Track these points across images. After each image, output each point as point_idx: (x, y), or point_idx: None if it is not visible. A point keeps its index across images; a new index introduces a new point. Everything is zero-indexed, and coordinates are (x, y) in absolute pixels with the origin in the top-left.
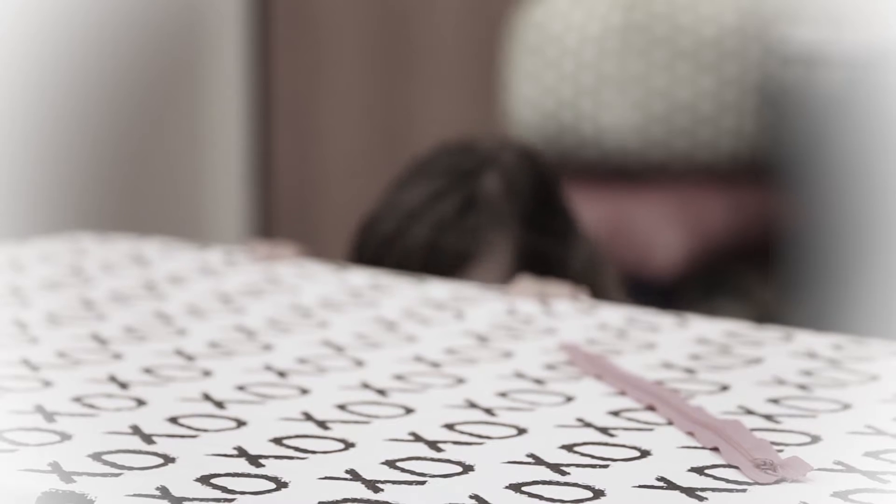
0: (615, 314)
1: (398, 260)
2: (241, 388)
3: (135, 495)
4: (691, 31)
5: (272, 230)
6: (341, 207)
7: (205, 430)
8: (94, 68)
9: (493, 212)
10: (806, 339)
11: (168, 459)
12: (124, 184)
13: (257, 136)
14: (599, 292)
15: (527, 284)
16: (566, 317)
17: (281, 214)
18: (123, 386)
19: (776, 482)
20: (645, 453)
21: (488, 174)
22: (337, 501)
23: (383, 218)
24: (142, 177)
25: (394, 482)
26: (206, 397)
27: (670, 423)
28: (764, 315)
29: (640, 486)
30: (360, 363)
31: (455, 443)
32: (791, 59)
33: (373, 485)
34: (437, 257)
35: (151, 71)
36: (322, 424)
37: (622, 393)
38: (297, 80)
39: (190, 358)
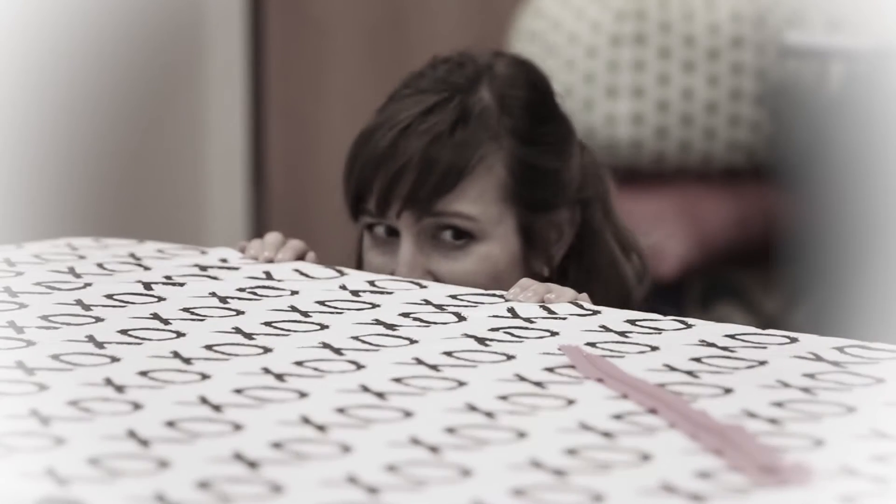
0: (616, 316)
1: (392, 175)
2: (238, 391)
3: (131, 501)
4: (690, 33)
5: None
6: (337, 209)
7: (202, 435)
8: (87, 71)
9: (486, 125)
10: (810, 341)
11: (165, 464)
12: (120, 186)
13: (252, 139)
14: (601, 209)
15: (528, 286)
16: (567, 319)
17: (276, 216)
18: (119, 389)
19: (780, 486)
20: (647, 457)
21: (482, 87)
22: None
23: (377, 133)
24: (138, 179)
25: (393, 487)
26: (204, 401)
27: (673, 426)
28: (766, 318)
29: (642, 491)
30: (359, 366)
31: (455, 447)
32: (791, 59)
33: (372, 490)
34: (431, 171)
35: (147, 73)
36: (320, 428)
37: (624, 396)
38: (292, 80)
39: (187, 361)
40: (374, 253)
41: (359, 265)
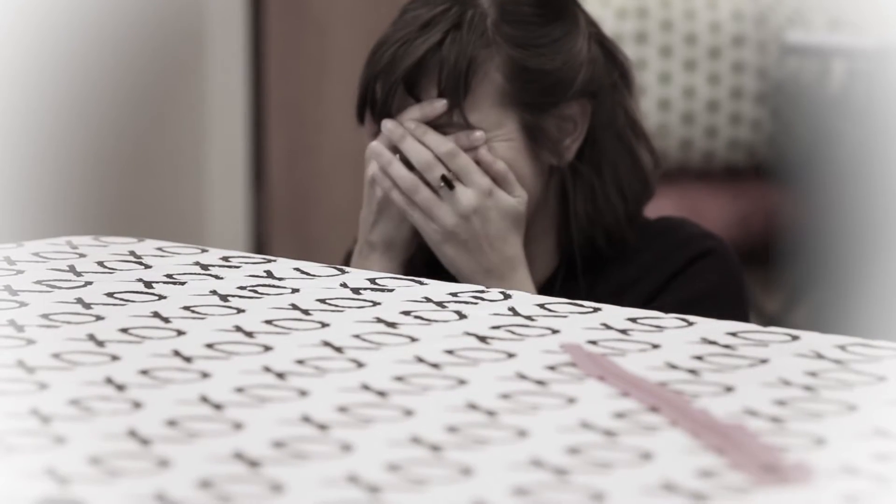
0: (618, 313)
1: (388, 88)
2: (239, 390)
3: (131, 500)
4: (692, 31)
5: (267, 231)
6: (337, 209)
7: (203, 434)
8: (88, 71)
9: (479, 32)
10: (811, 339)
11: (165, 463)
12: (120, 185)
13: (252, 139)
14: (612, 97)
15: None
16: (568, 317)
17: (276, 216)
18: (120, 388)
19: (781, 485)
20: (648, 456)
21: None
22: None
23: (382, 47)
24: (139, 178)
25: (394, 486)
26: (204, 400)
27: (674, 425)
28: (767, 316)
29: (643, 490)
30: (360, 364)
31: (456, 446)
32: (792, 57)
33: (373, 489)
34: (422, 82)
35: (148, 73)
36: (321, 427)
37: (625, 394)
38: (292, 80)
39: (187, 359)
40: None
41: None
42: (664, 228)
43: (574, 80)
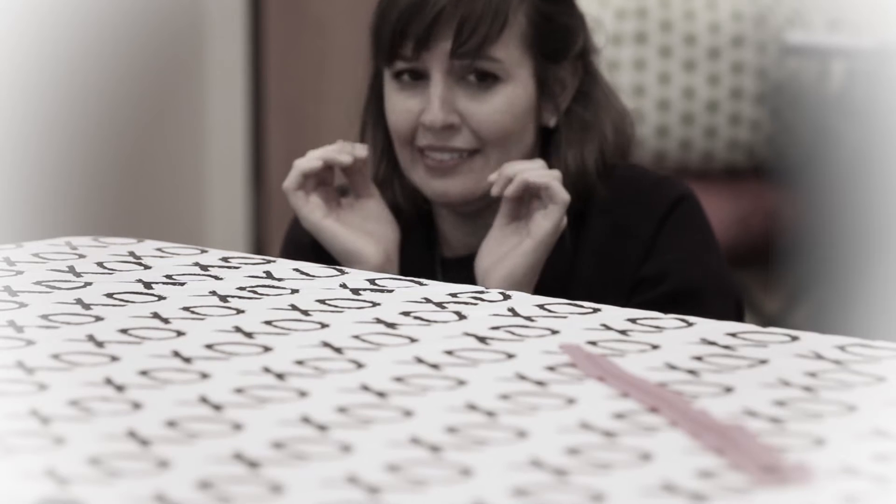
0: (617, 314)
1: (430, 21)
2: (239, 390)
3: (131, 501)
4: (691, 32)
5: (267, 232)
6: None
7: (202, 435)
8: (87, 71)
9: None
10: (811, 340)
11: (165, 464)
12: (120, 186)
13: (252, 139)
14: (595, 64)
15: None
16: (568, 317)
17: (276, 216)
18: (120, 389)
19: (781, 486)
20: (648, 457)
21: None
22: None
23: None
24: (138, 179)
25: (394, 487)
26: (204, 400)
27: (674, 426)
28: (767, 316)
29: (643, 490)
30: (359, 365)
31: (456, 446)
32: (792, 58)
33: (372, 489)
34: (466, 18)
35: (147, 73)
36: (321, 428)
37: (625, 395)
38: (292, 80)
39: (187, 360)
40: (401, 98)
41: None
42: (624, 175)
43: (578, 38)
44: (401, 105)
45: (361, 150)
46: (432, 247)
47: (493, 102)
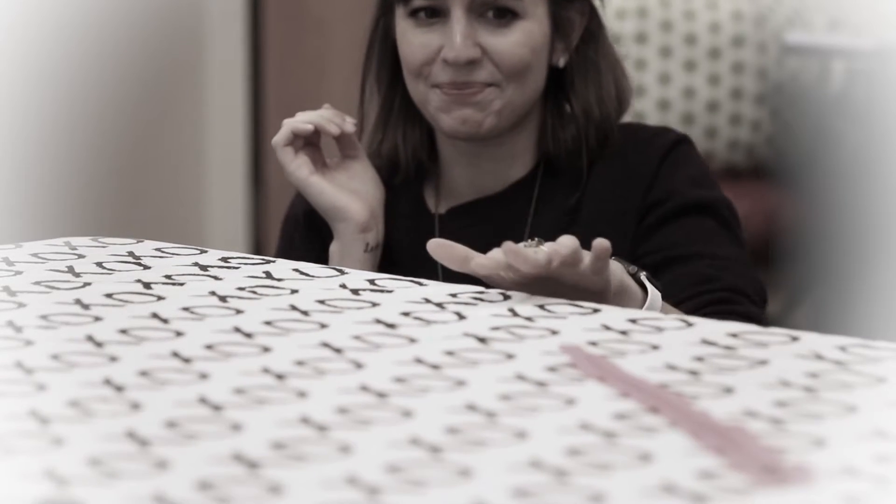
0: (618, 315)
1: None
2: (238, 391)
3: (130, 502)
4: (691, 32)
5: (266, 232)
6: None
7: (202, 435)
8: (87, 70)
9: None
10: (812, 340)
11: (164, 465)
12: (119, 186)
13: (252, 138)
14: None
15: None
16: (568, 317)
17: (276, 216)
18: (119, 389)
19: (781, 487)
20: (648, 457)
21: None
22: None
23: None
24: (138, 179)
25: (393, 487)
26: (203, 401)
27: (674, 426)
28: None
29: (643, 491)
30: (359, 365)
31: (456, 447)
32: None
33: (372, 490)
34: None
35: (147, 73)
36: (321, 428)
37: (625, 396)
38: (292, 80)
39: (186, 360)
40: (417, 33)
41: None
42: (626, 130)
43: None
44: (418, 40)
45: (350, 126)
46: (424, 203)
47: (514, 36)
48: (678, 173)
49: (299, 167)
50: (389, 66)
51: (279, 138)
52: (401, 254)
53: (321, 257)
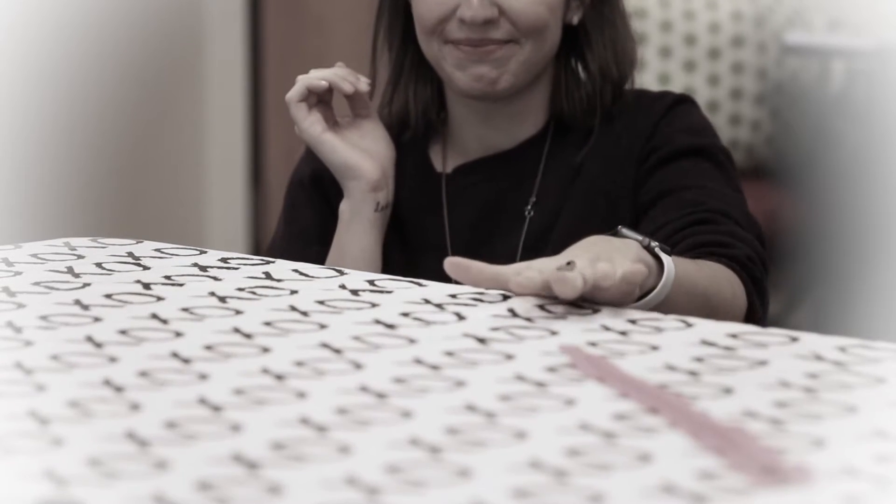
0: (617, 315)
1: None
2: (238, 391)
3: (130, 502)
4: (691, 32)
5: (266, 232)
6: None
7: (201, 436)
8: (87, 71)
9: None
10: (811, 341)
11: (164, 465)
12: (119, 186)
13: (252, 139)
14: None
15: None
16: (567, 318)
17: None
18: (118, 390)
19: (781, 487)
20: (648, 458)
21: None
22: None
23: None
24: (138, 179)
25: (393, 488)
26: (203, 401)
27: (674, 427)
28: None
29: (642, 491)
30: (358, 366)
31: (455, 447)
32: (792, 58)
33: (372, 490)
34: None
35: (147, 73)
36: (320, 429)
37: (625, 396)
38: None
39: (186, 361)
40: None
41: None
42: (633, 94)
43: None
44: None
45: (364, 85)
46: (430, 162)
47: None
48: (676, 123)
49: (312, 124)
50: (401, 25)
51: (293, 94)
52: (408, 213)
53: (327, 221)
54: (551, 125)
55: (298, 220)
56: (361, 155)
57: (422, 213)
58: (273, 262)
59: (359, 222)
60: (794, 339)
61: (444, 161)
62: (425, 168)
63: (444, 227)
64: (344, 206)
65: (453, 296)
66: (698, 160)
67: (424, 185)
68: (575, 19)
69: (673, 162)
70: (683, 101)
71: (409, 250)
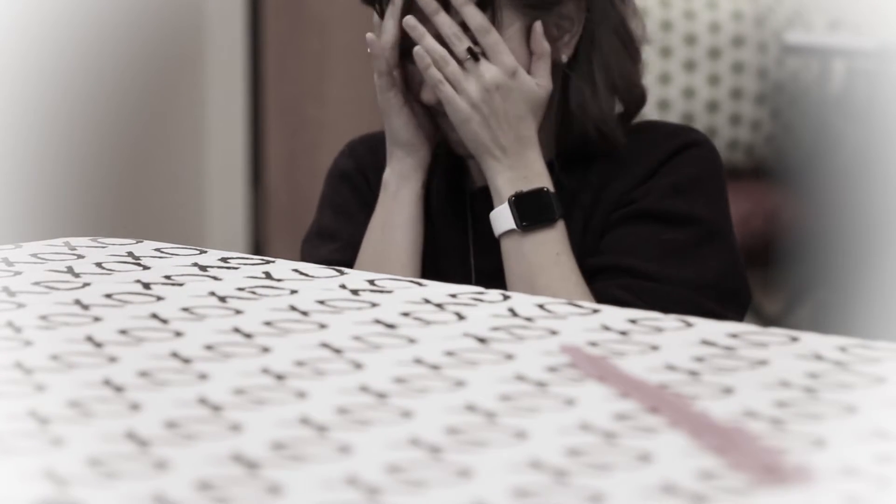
0: (617, 315)
1: None
2: (238, 391)
3: (130, 502)
4: (691, 32)
5: (266, 232)
6: None
7: (201, 436)
8: (87, 70)
9: None
10: (811, 341)
11: (164, 465)
12: (119, 186)
13: (252, 138)
14: (606, 3)
15: None
16: (567, 318)
17: (275, 217)
18: (118, 390)
19: (781, 487)
20: (648, 458)
21: None
22: None
23: None
24: (138, 179)
25: (393, 488)
26: (203, 401)
27: (674, 426)
28: (767, 317)
29: (643, 491)
30: (358, 366)
31: (455, 447)
32: (792, 58)
33: (372, 490)
34: None
35: (147, 73)
36: (320, 429)
37: (625, 396)
38: (292, 80)
39: (186, 361)
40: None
41: None
42: (647, 126)
43: None
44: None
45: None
46: (458, 179)
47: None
48: (667, 177)
49: (396, 94)
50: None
51: (383, 66)
52: (438, 229)
53: (367, 214)
54: (555, 160)
55: (340, 205)
56: (425, 134)
57: (449, 230)
58: (273, 261)
59: (407, 191)
60: (795, 339)
61: (471, 180)
62: (452, 184)
63: (469, 248)
64: (389, 177)
65: (453, 295)
66: (664, 229)
67: (453, 202)
68: (564, 57)
69: (632, 224)
70: (690, 146)
71: (432, 257)
